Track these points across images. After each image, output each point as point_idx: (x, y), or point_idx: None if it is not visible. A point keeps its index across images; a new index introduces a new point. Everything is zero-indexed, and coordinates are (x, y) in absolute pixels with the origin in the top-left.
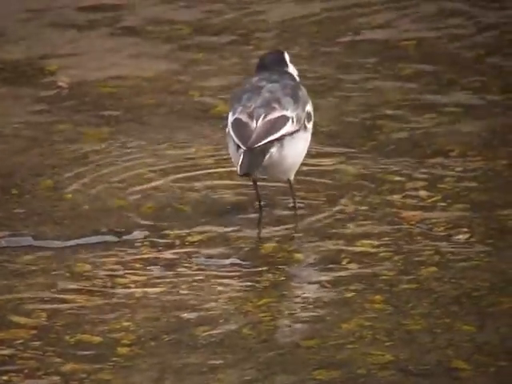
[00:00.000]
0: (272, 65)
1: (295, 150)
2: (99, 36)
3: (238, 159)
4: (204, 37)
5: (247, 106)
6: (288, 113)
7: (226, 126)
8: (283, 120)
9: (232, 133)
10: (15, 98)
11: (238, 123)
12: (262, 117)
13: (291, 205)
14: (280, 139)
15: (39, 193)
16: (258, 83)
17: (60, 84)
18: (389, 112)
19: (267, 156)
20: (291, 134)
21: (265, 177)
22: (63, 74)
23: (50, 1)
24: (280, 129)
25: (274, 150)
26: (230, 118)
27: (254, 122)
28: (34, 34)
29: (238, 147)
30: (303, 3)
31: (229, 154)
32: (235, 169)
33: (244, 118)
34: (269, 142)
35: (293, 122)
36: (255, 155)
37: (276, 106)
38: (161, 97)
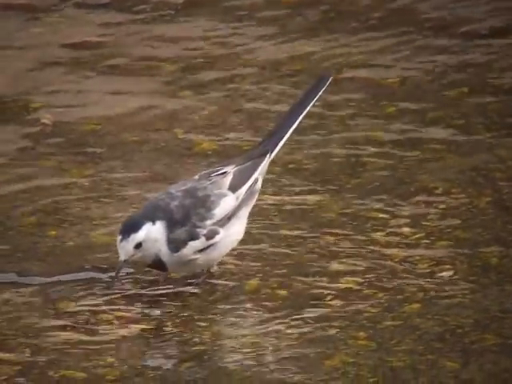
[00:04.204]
0: None
1: None
2: (83, 73)
3: None
4: (188, 74)
5: None
6: None
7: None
8: None
9: None
10: None
11: None
12: None
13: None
14: None
15: (23, 229)
16: None
17: (44, 121)
18: (373, 149)
19: None
20: None
21: None
22: (47, 112)
23: (34, 38)
24: None
25: None
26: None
27: None
28: (18, 70)
29: None
30: (286, 43)
31: None
32: None
33: None
34: None
35: None
36: None
37: None
38: (145, 134)
